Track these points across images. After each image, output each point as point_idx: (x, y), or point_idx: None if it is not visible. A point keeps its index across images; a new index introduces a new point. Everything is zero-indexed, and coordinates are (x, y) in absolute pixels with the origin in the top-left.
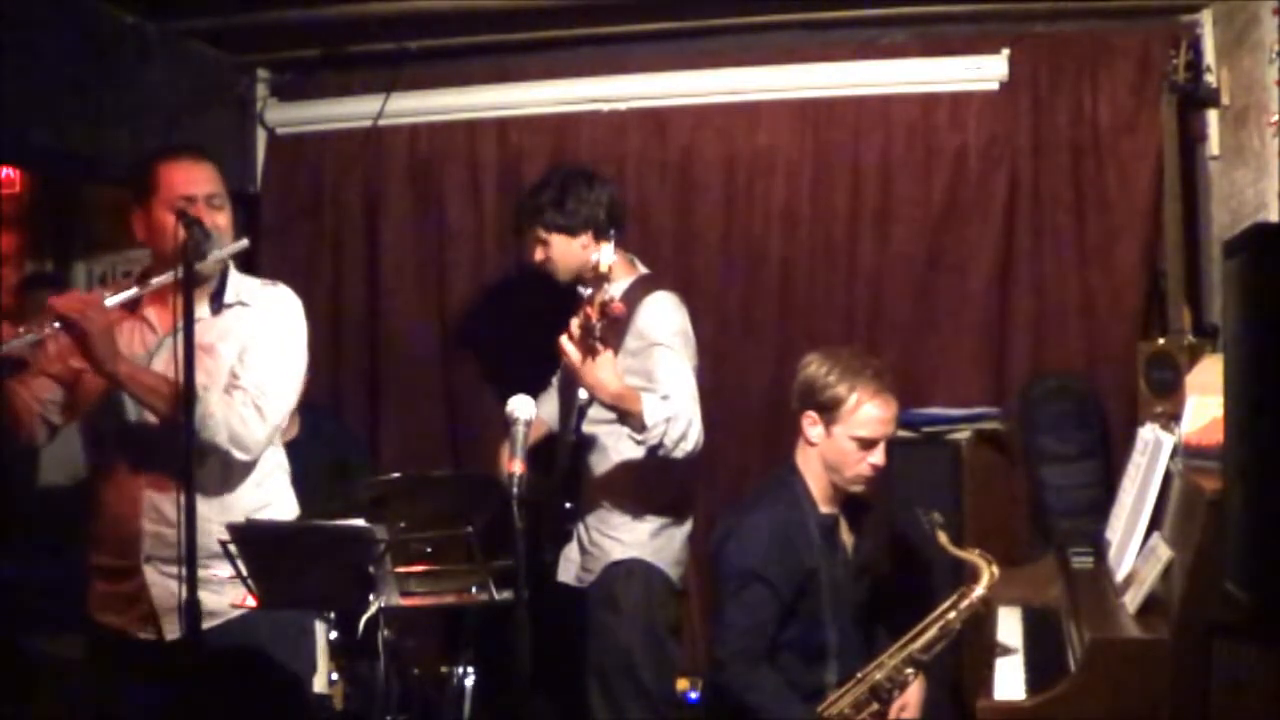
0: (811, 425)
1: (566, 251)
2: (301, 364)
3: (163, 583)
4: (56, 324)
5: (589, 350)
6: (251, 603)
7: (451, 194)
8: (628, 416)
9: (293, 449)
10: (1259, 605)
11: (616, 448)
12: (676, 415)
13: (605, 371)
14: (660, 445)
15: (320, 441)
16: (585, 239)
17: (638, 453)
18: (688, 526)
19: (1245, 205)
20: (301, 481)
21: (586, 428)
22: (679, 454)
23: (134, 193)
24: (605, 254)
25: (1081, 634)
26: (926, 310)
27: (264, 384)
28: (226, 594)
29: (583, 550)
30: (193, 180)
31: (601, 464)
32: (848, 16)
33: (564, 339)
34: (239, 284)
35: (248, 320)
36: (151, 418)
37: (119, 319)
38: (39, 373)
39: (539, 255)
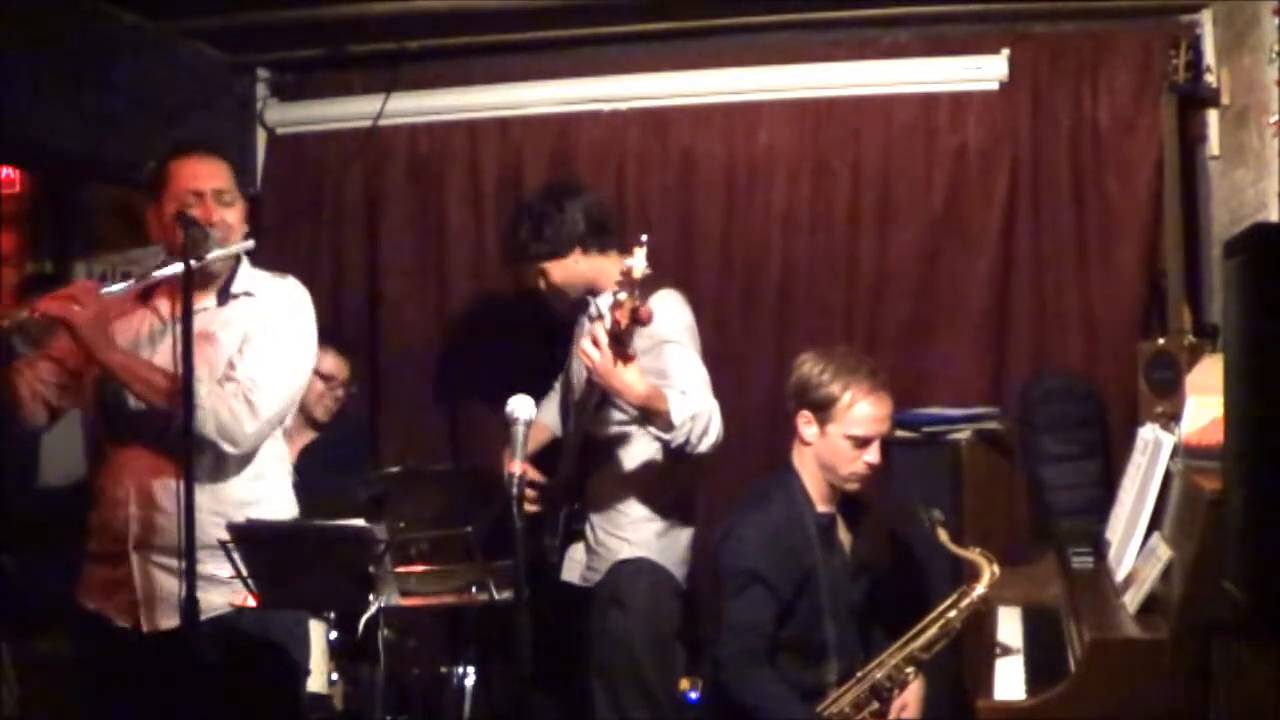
0: (806, 424)
1: (564, 273)
2: (305, 358)
3: (148, 571)
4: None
5: (621, 356)
6: (251, 602)
7: (451, 194)
8: (654, 417)
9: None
10: (1259, 605)
11: (624, 449)
12: (699, 411)
13: (632, 374)
14: (686, 442)
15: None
16: (575, 255)
17: (645, 453)
18: (693, 526)
19: (1245, 205)
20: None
21: (593, 429)
22: (703, 449)
23: (147, 191)
24: (638, 260)
25: (1081, 634)
26: (926, 310)
27: (258, 377)
28: (214, 591)
29: (589, 550)
30: (199, 175)
31: (609, 465)
32: (848, 16)
33: (586, 344)
34: (249, 276)
35: (252, 311)
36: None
37: (125, 310)
38: (43, 356)
39: (541, 285)
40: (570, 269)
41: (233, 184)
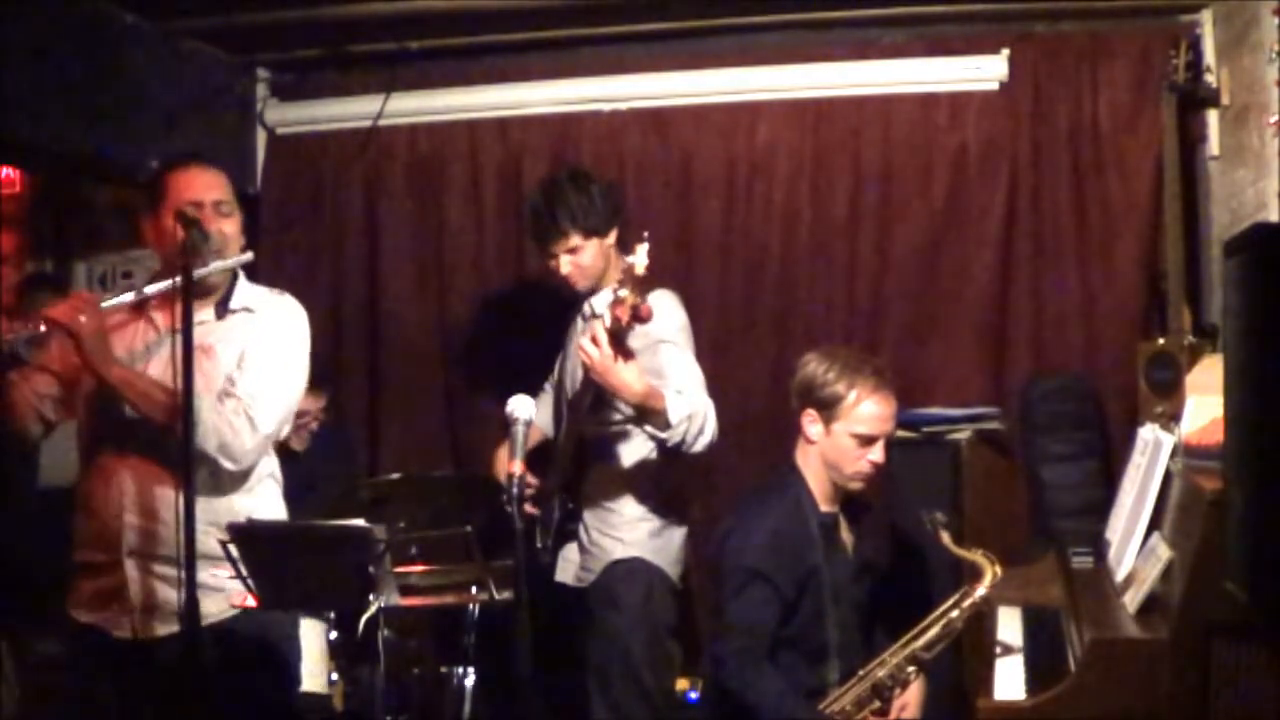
0: (811, 423)
1: (597, 254)
2: (301, 375)
3: (142, 579)
4: (43, 327)
5: (621, 353)
6: (251, 603)
7: (451, 194)
8: (650, 415)
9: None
10: (1259, 605)
11: (618, 449)
12: (695, 410)
13: (630, 373)
14: (682, 441)
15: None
16: (611, 237)
17: (639, 453)
18: (686, 525)
19: (1245, 205)
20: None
21: (587, 429)
22: (698, 448)
23: (146, 200)
24: (640, 257)
25: (1081, 634)
26: (926, 310)
27: (257, 393)
28: (208, 599)
29: (583, 550)
30: (198, 187)
31: (602, 465)
32: (848, 16)
33: (585, 342)
34: (247, 292)
35: (250, 327)
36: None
37: (120, 320)
38: (40, 368)
39: (566, 266)
40: (602, 251)
41: (231, 195)
